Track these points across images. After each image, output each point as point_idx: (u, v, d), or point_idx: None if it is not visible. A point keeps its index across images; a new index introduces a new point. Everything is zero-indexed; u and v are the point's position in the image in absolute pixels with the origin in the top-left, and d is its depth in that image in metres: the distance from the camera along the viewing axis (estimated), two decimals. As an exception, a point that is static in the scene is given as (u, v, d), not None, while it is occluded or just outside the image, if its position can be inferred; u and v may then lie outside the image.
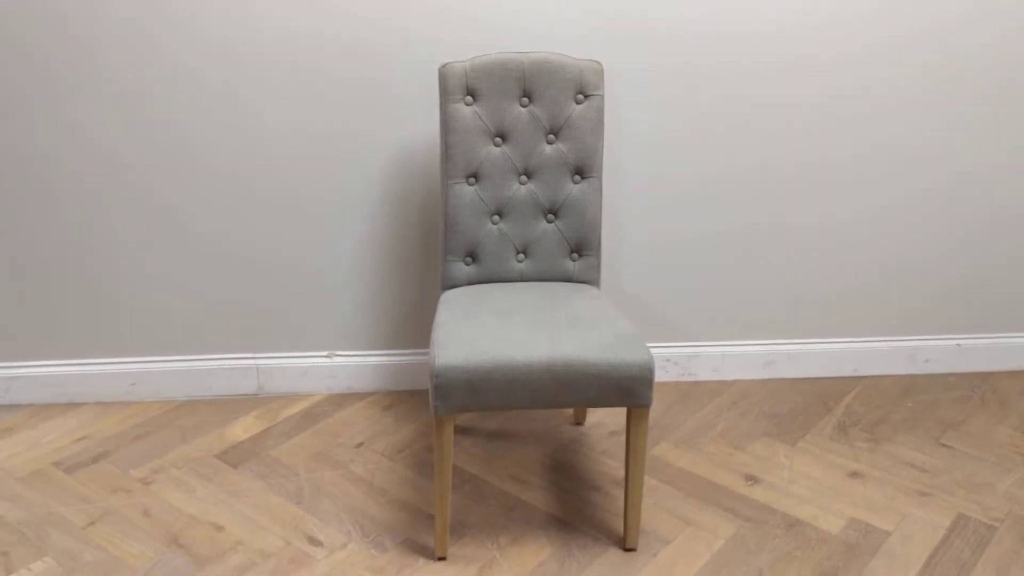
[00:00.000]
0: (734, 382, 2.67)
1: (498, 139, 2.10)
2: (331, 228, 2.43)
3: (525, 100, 2.08)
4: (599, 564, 1.88)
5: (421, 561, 1.89)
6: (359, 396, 2.58)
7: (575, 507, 2.07)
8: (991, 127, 2.47)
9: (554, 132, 2.10)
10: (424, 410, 2.51)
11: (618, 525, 2.01)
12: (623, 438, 2.35)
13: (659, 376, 2.66)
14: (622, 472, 2.21)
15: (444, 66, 2.05)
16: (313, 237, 2.44)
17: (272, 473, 2.20)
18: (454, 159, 2.07)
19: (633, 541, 1.91)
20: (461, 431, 2.39)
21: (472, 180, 2.10)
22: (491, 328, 1.85)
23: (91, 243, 2.39)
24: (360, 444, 2.33)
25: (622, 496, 2.11)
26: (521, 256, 2.17)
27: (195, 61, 2.24)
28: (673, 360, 2.64)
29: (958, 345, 2.70)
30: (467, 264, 2.16)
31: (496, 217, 2.14)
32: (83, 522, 2.01)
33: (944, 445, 2.33)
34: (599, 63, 2.09)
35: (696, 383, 2.66)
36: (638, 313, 2.58)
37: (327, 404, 2.53)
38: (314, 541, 1.95)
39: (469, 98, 2.07)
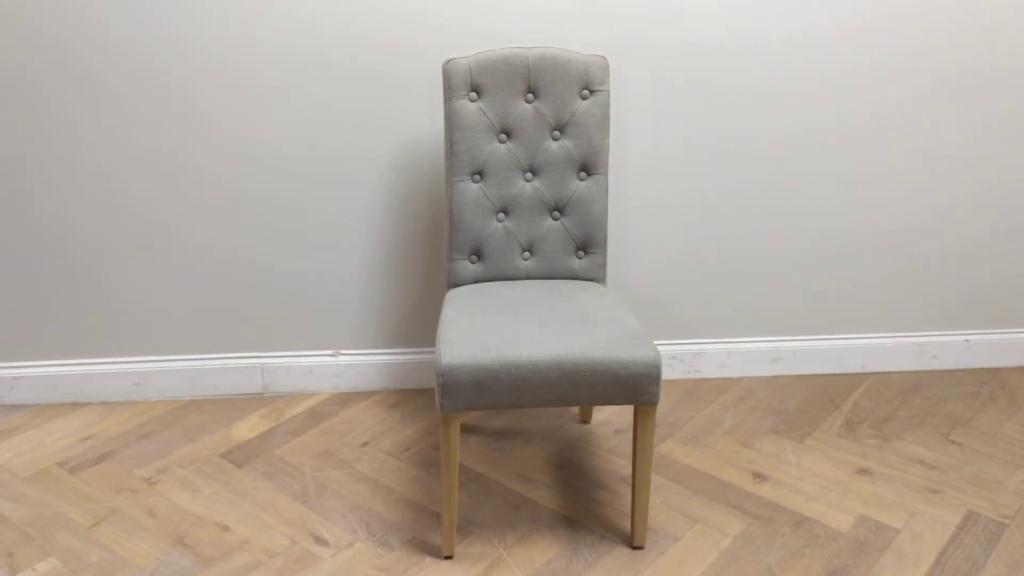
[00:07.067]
0: (740, 379, 2.66)
1: (503, 136, 2.09)
2: (335, 227, 2.43)
3: (530, 96, 2.07)
4: (606, 562, 1.87)
5: (428, 560, 1.88)
6: (364, 395, 2.57)
7: (582, 505, 2.07)
8: (998, 125, 2.45)
9: (560, 128, 2.09)
10: (430, 409, 2.50)
11: (625, 523, 2.00)
12: (629, 436, 2.34)
13: (665, 373, 2.65)
14: (629, 470, 2.20)
15: (448, 62, 2.04)
16: (317, 236, 2.43)
17: (278, 472, 2.19)
18: (459, 156, 2.06)
19: (640, 539, 1.91)
20: (467, 430, 2.39)
21: (477, 177, 2.09)
22: (497, 326, 1.84)
23: (95, 243, 2.39)
24: (366, 443, 2.32)
25: (629, 494, 2.10)
26: (527, 254, 2.16)
27: (198, 60, 2.24)
28: (679, 357, 2.63)
29: (966, 341, 2.69)
30: (472, 262, 2.15)
31: (501, 215, 2.13)
32: (88, 522, 2.00)
33: (953, 442, 2.32)
34: (604, 58, 2.08)
35: (702, 380, 2.65)
36: (644, 310, 2.57)
37: (332, 403, 2.53)
38: (320, 540, 1.94)
39: (474, 94, 2.06)
